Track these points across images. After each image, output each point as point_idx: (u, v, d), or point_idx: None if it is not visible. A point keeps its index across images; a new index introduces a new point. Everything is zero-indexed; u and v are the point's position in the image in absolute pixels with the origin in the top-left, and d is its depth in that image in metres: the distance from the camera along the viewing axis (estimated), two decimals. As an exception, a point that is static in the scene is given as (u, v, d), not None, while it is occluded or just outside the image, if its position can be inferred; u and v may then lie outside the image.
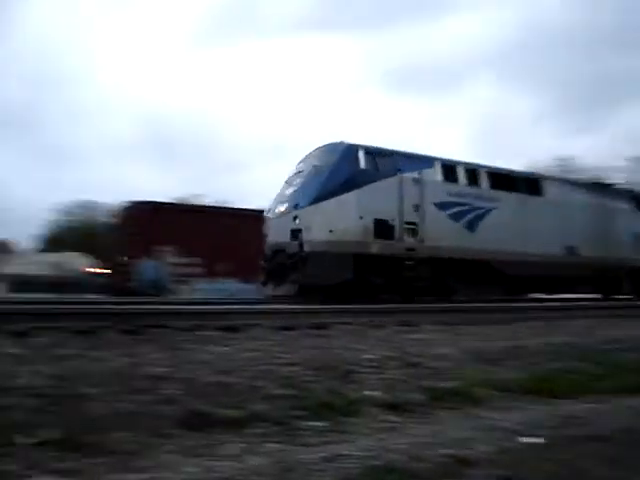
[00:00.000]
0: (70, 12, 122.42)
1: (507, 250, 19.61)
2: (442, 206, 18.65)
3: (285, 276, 17.06)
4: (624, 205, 24.37)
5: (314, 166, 17.74)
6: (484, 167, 20.47)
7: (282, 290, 18.13)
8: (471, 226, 19.32)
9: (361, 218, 16.85)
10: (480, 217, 19.60)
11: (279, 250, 17.33)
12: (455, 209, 19.03)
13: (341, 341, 8.24)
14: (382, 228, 17.18)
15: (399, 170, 17.81)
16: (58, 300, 15.72)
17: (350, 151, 17.41)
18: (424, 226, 17.98)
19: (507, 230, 19.77)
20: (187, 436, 3.89)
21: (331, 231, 16.51)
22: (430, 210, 18.23)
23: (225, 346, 7.25)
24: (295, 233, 16.83)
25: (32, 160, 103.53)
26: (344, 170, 17.16)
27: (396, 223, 17.46)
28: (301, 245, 16.58)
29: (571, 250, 21.63)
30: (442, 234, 18.35)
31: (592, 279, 22.42)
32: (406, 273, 17.45)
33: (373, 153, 17.79)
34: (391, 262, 17.36)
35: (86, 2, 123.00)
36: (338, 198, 16.74)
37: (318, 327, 9.64)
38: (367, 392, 5.16)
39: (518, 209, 20.54)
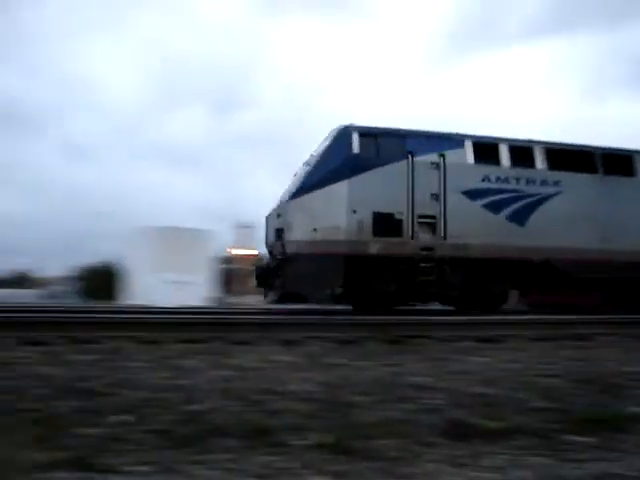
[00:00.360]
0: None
1: (573, 247, 15.36)
2: (474, 194, 15.04)
3: (271, 282, 14.77)
4: None
5: (311, 154, 15.28)
6: (540, 143, 16.08)
7: (269, 298, 15.90)
8: (519, 218, 15.37)
9: (354, 212, 13.99)
10: (533, 206, 15.50)
11: (270, 252, 15.37)
12: (494, 197, 15.19)
13: (603, 353, 8.29)
14: (385, 224, 14.20)
15: (410, 153, 14.66)
16: (326, 310, 15.01)
17: (342, 134, 14.52)
18: (447, 220, 14.69)
19: (573, 222, 15.45)
20: (450, 446, 3.93)
21: (315, 230, 13.89)
22: (455, 200, 14.79)
23: (484, 357, 7.54)
24: (279, 232, 14.53)
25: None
26: (333, 157, 14.36)
27: (405, 217, 14.38)
28: (283, 246, 14.24)
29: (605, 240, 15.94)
30: (473, 229, 14.86)
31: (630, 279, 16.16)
32: (421, 277, 14.30)
33: (373, 134, 14.70)
34: (401, 264, 14.40)
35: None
36: (324, 190, 14.05)
37: (577, 338, 9.59)
38: (634, 408, 4.85)
39: (592, 194, 15.85)
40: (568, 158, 16.10)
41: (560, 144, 16.41)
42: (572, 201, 15.64)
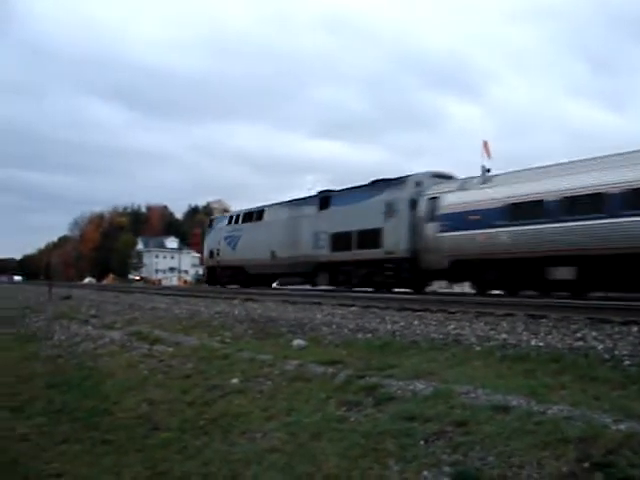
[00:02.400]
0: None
1: (253, 258, 35.20)
2: (226, 238, 38.65)
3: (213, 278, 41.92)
4: (312, 210, 30.63)
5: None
6: (240, 211, 39.76)
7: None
8: (234, 246, 37.45)
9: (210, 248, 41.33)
10: (237, 240, 37.32)
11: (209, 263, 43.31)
12: (230, 238, 38.25)
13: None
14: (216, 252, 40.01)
15: (211, 223, 43.48)
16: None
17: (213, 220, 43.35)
18: (220, 250, 39.28)
19: (249, 246, 35.72)
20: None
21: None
22: (223, 241, 39.06)
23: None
24: (211, 253, 42.30)
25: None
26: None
27: (215, 249, 40.08)
28: (217, 261, 40.66)
29: (273, 254, 32.69)
30: (225, 253, 38.63)
31: (293, 273, 31.73)
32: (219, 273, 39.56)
33: (213, 219, 43.97)
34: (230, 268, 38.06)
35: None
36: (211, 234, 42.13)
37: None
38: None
39: (251, 232, 35.86)
40: (247, 216, 37.14)
41: (246, 210, 38.42)
42: (248, 237, 36.15)
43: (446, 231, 22.57)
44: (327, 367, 8.96)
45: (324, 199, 30.07)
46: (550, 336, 9.88)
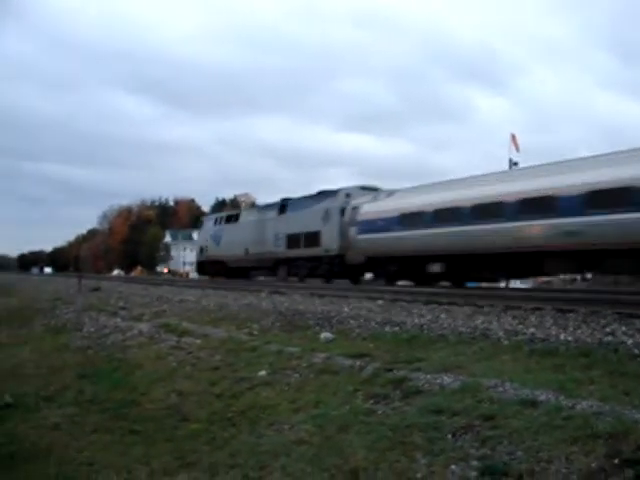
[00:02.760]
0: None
1: (229, 254, 41.28)
2: (212, 236, 44.19)
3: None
4: (273, 214, 36.66)
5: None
6: (223, 213, 46.67)
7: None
8: (218, 242, 43.01)
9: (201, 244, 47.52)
10: (221, 238, 42.83)
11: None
12: (215, 236, 43.76)
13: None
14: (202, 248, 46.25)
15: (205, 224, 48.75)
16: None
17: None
18: (208, 246, 44.84)
19: (229, 243, 41.36)
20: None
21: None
22: (210, 239, 44.61)
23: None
24: (202, 249, 47.16)
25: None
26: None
27: (208, 244, 44.75)
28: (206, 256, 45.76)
29: (247, 251, 38.52)
30: (216, 249, 43.32)
31: (260, 267, 38.15)
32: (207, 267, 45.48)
33: (203, 220, 52.01)
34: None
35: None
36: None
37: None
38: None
39: (231, 232, 41.60)
40: (227, 218, 43.15)
41: (227, 213, 46.07)
42: (228, 236, 41.57)
43: (362, 234, 27.74)
44: (354, 360, 8.99)
45: (282, 206, 36.30)
46: (579, 330, 9.79)
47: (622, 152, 18.42)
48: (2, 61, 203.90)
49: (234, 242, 40.04)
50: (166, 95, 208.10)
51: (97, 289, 31.12)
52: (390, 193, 28.42)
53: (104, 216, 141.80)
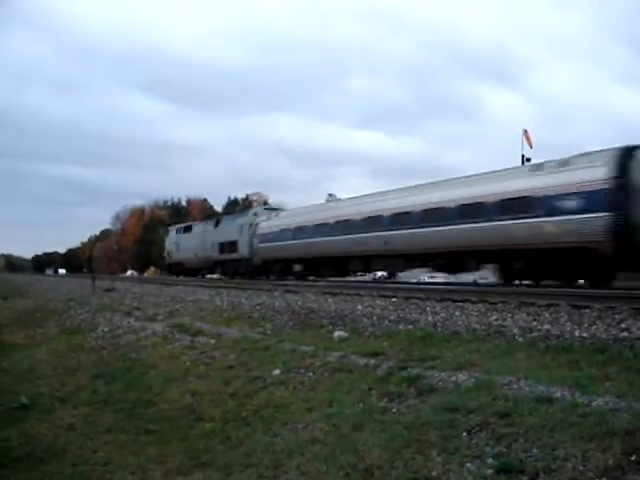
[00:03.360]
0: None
1: (186, 257, 51.56)
2: (176, 243, 54.77)
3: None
4: (211, 227, 47.47)
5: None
6: (182, 225, 57.12)
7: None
8: (182, 248, 52.31)
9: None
10: (188, 242, 51.06)
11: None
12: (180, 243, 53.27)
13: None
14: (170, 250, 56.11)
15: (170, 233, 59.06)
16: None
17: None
18: (172, 250, 55.40)
19: (185, 249, 51.43)
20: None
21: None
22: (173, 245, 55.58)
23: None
24: (169, 252, 58.03)
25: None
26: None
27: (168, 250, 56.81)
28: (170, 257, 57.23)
29: (196, 255, 48.41)
30: (177, 253, 54.08)
31: (205, 267, 48.10)
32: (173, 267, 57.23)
33: (169, 230, 60.66)
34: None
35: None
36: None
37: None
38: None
39: (187, 240, 51.57)
40: (185, 229, 54.17)
41: (184, 225, 57.55)
42: (185, 243, 52.35)
43: (260, 243, 38.12)
44: (369, 358, 8.97)
45: (217, 220, 49.08)
46: (594, 327, 9.72)
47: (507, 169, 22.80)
48: (12, 64, 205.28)
49: (188, 248, 51.13)
50: (178, 95, 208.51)
51: (111, 290, 31.25)
52: (277, 214, 39.55)
53: (117, 217, 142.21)
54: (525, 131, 28.28)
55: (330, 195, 79.81)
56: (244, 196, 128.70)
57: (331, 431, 6.65)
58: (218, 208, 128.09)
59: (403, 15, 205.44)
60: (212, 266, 47.34)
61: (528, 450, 5.04)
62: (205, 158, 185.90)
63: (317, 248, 31.72)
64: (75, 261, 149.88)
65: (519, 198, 20.21)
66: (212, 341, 12.94)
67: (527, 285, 20.92)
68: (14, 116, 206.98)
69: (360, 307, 14.78)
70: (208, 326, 14.83)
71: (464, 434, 5.64)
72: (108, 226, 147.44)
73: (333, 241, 30.32)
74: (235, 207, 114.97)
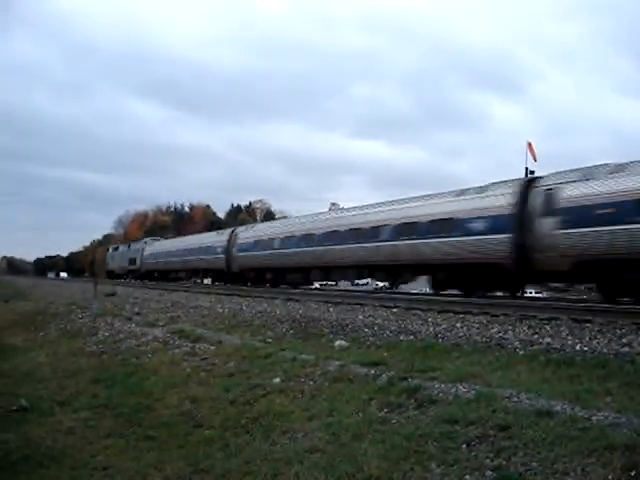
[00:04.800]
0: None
1: (115, 266, 75.47)
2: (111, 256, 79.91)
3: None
4: (126, 248, 72.46)
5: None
6: (118, 245, 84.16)
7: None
8: (112, 261, 78.32)
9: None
10: (113, 258, 78.38)
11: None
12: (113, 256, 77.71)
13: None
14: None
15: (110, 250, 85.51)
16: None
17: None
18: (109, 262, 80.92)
19: (118, 260, 74.35)
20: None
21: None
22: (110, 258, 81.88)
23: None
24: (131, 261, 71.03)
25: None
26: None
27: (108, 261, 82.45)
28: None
29: (119, 265, 73.39)
30: (112, 264, 78.27)
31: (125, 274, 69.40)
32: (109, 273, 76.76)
33: (108, 248, 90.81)
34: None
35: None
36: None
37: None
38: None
39: (119, 254, 75.15)
40: (117, 247, 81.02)
41: (118, 245, 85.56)
42: (117, 256, 77.18)
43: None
44: (369, 368, 8.97)
45: (129, 244, 71.23)
46: (595, 341, 9.73)
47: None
48: (17, 67, 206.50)
49: (116, 261, 74.80)
50: (180, 100, 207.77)
51: (112, 294, 31.27)
52: (155, 241, 62.77)
53: (119, 221, 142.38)
54: (529, 144, 28.33)
55: (333, 204, 79.94)
56: (247, 203, 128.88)
57: (331, 440, 6.65)
58: (221, 214, 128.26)
59: (405, 23, 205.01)
60: (126, 272, 68.76)
61: (527, 463, 5.03)
62: (208, 164, 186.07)
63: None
64: (77, 265, 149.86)
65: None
66: (213, 348, 12.95)
67: (527, 298, 21.37)
68: (18, 118, 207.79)
69: (361, 317, 14.79)
70: (209, 333, 14.84)
71: (463, 446, 5.64)
72: (111, 231, 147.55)
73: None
74: (238, 214, 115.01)
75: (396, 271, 26.60)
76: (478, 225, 21.43)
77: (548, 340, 10.00)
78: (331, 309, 17.37)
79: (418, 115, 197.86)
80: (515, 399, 6.52)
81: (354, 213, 30.22)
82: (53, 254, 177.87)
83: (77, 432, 9.03)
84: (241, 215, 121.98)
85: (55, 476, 7.25)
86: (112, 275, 74.57)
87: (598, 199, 17.32)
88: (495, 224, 20.94)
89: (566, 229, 18.11)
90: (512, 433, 5.62)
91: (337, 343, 11.56)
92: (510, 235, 20.26)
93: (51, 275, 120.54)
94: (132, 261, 66.39)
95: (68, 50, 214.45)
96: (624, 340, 9.62)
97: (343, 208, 32.83)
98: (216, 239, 45.07)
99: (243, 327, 15.37)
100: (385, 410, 7.22)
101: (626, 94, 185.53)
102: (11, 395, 11.31)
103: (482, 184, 23.19)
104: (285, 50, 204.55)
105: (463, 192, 23.48)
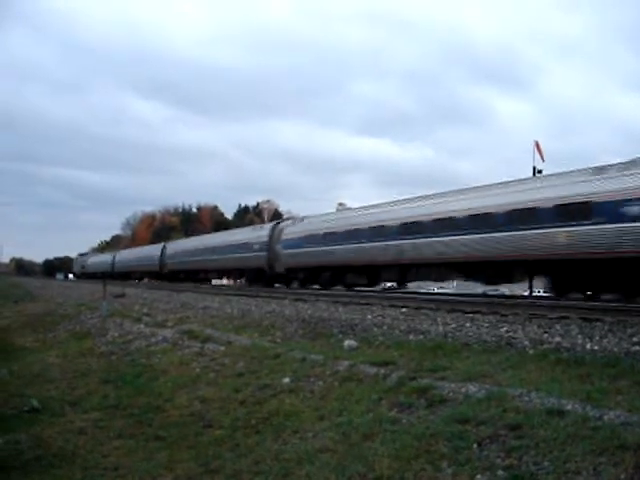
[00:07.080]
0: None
1: (96, 270, 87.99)
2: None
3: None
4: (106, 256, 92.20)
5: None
6: (84, 252, 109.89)
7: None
8: (85, 265, 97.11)
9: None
10: (85, 262, 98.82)
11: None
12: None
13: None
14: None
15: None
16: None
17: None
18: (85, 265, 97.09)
19: (95, 265, 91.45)
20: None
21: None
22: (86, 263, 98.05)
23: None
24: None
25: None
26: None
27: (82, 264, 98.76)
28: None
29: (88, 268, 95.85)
30: (88, 267, 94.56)
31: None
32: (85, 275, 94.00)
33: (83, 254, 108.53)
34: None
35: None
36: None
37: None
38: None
39: (97, 259, 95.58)
40: (82, 255, 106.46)
41: (85, 252, 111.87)
42: (95, 260, 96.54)
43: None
44: (379, 368, 8.96)
45: (98, 253, 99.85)
46: (606, 340, 9.69)
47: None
48: (16, 65, 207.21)
49: (85, 265, 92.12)
50: (182, 100, 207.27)
51: (121, 295, 31.36)
52: (100, 252, 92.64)
53: (127, 223, 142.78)
54: (537, 143, 28.26)
55: (340, 204, 79.79)
56: (254, 203, 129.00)
57: (341, 440, 6.65)
58: (229, 215, 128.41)
59: (408, 19, 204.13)
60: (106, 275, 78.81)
61: (539, 463, 5.02)
62: (215, 164, 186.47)
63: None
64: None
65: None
66: (222, 348, 12.97)
67: (536, 297, 21.07)
68: (18, 118, 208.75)
69: (370, 317, 14.78)
70: (218, 333, 14.86)
71: (475, 446, 5.63)
72: (119, 232, 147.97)
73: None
74: (246, 215, 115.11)
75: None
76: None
77: (558, 339, 9.97)
78: (340, 309, 17.35)
79: (423, 112, 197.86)
80: (526, 398, 6.50)
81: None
82: (62, 255, 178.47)
83: (88, 432, 9.06)
84: (249, 215, 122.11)
85: (67, 476, 7.27)
86: (85, 276, 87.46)
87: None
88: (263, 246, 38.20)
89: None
90: (523, 432, 5.61)
91: (346, 343, 11.55)
92: (266, 253, 38.06)
93: (60, 276, 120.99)
94: (100, 266, 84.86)
95: (67, 49, 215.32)
96: (635, 339, 9.58)
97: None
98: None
99: (252, 327, 15.38)
100: (395, 410, 7.22)
101: (635, 90, 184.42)
102: (22, 396, 11.38)
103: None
104: (287, 48, 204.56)
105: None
